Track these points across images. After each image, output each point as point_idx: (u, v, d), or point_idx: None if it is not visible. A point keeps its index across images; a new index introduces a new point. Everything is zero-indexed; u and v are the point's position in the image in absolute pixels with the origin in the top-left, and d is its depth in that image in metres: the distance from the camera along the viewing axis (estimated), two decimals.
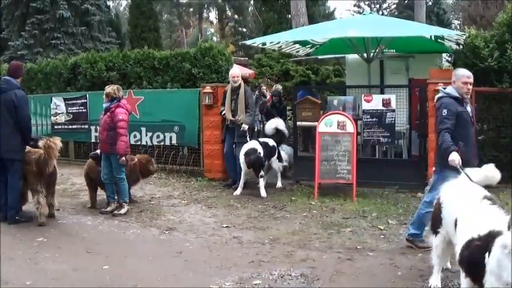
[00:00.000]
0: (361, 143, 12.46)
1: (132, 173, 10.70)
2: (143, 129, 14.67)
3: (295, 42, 15.09)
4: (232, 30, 55.69)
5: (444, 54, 14.01)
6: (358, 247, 7.90)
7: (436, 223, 6.09)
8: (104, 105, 10.24)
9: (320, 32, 14.41)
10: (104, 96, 10.25)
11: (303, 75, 22.10)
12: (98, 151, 10.57)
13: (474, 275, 4.82)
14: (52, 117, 16.89)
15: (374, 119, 11.92)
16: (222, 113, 12.52)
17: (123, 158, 9.93)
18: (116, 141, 9.85)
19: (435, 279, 6.20)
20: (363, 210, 10.09)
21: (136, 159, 10.94)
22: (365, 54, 13.73)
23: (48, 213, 9.77)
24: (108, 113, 10.07)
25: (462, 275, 5.11)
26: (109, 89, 10.20)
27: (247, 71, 21.27)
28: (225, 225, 9.27)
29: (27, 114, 9.66)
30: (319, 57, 17.64)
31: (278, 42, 14.85)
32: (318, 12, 35.58)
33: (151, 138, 14.59)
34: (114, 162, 10.04)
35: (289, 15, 26.95)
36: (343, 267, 6.98)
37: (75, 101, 16.36)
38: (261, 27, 32.48)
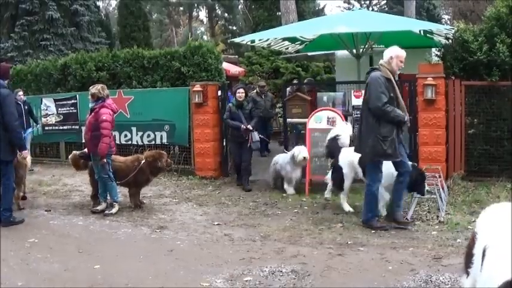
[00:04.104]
0: (351, 138, 12.46)
1: (141, 174, 10.53)
2: (133, 129, 14.67)
3: (284, 39, 15.12)
4: (222, 29, 55.66)
5: (433, 49, 14.05)
6: (349, 242, 7.91)
7: (468, 259, 4.41)
8: (90, 105, 10.23)
9: (309, 29, 14.44)
10: (90, 97, 10.23)
11: (293, 72, 22.19)
12: (86, 150, 10.53)
13: None
14: (43, 119, 16.85)
15: None
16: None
17: (104, 160, 9.91)
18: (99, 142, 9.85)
19: None
20: (353, 206, 10.07)
21: (143, 160, 10.58)
22: (354, 50, 13.76)
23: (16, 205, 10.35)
24: (92, 113, 10.07)
25: (464, 276, 4.54)
26: (93, 89, 10.16)
27: (237, 69, 21.30)
28: (216, 223, 9.28)
29: (12, 112, 9.26)
30: (309, 54, 17.71)
31: (267, 40, 14.89)
32: (307, 9, 35.58)
33: (141, 137, 14.59)
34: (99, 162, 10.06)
35: (279, 13, 27.00)
36: (334, 263, 6.98)
37: (66, 102, 16.36)
38: (251, 25, 32.54)
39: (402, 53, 8.67)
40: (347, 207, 9.82)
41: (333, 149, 10.20)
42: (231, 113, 12.27)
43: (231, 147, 12.85)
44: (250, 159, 12.45)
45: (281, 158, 11.79)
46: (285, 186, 11.56)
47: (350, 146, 10.02)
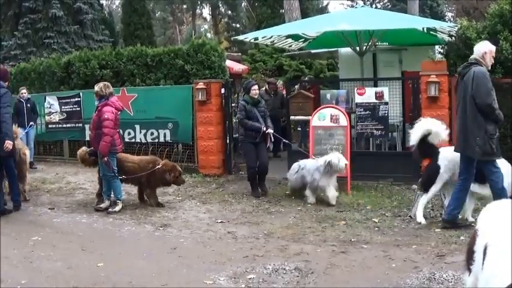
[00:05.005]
0: (354, 136, 12.46)
1: (153, 177, 10.44)
2: (137, 127, 14.67)
3: (288, 37, 15.09)
4: (225, 26, 55.63)
5: (437, 46, 14.02)
6: (353, 240, 7.92)
7: (470, 257, 4.37)
8: (96, 103, 10.26)
9: (312, 26, 14.44)
10: (94, 95, 10.28)
11: (297, 69, 22.17)
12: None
13: None
14: (46, 117, 16.87)
15: (367, 112, 11.92)
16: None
17: (105, 158, 9.91)
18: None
19: None
20: (357, 203, 10.11)
21: (160, 165, 10.45)
22: (357, 48, 13.74)
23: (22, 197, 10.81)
24: (96, 112, 10.10)
25: (466, 273, 4.49)
26: (97, 87, 10.20)
27: (241, 67, 21.28)
28: (219, 221, 9.29)
29: (6, 107, 9.73)
30: (312, 51, 17.67)
31: (270, 37, 14.87)
32: (311, 7, 35.59)
33: (145, 135, 14.61)
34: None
35: (282, 10, 26.98)
36: (337, 260, 6.99)
37: (69, 100, 16.37)
38: (255, 23, 32.50)
39: (494, 48, 8.40)
40: (421, 218, 8.79)
41: (428, 148, 8.99)
42: (246, 112, 11.16)
43: (246, 149, 11.51)
44: (268, 160, 11.68)
45: (308, 164, 10.80)
46: (307, 192, 10.58)
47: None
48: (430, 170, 8.91)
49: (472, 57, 8.28)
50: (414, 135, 8.93)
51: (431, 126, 8.88)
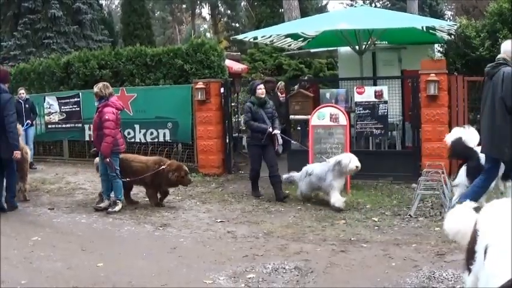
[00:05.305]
0: (354, 135, 12.46)
1: (158, 177, 10.37)
2: (137, 127, 14.68)
3: (287, 36, 15.09)
4: (225, 26, 55.61)
5: (436, 45, 14.02)
6: (352, 239, 7.92)
7: (470, 256, 4.31)
8: (96, 104, 10.25)
9: (311, 25, 14.43)
10: (94, 96, 10.27)
11: (296, 69, 22.17)
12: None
13: None
14: (46, 117, 16.88)
15: (367, 111, 11.93)
16: None
17: (107, 159, 9.92)
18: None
19: None
20: (357, 202, 10.11)
21: (165, 165, 10.39)
22: (357, 47, 13.73)
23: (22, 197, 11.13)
24: (97, 113, 10.10)
25: (465, 273, 4.48)
26: (96, 88, 10.19)
27: (240, 66, 21.25)
28: (219, 220, 9.29)
29: (11, 115, 9.91)
30: (312, 50, 17.67)
31: (270, 36, 14.87)
32: (310, 6, 35.56)
33: (144, 135, 14.63)
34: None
35: (282, 10, 26.96)
36: (337, 259, 6.99)
37: (69, 100, 16.37)
38: (254, 22, 32.48)
39: None
40: None
41: (463, 149, 8.91)
42: (252, 114, 10.88)
43: (252, 152, 11.27)
44: (277, 163, 11.13)
45: (317, 168, 10.45)
46: (332, 199, 9.93)
47: None
48: (475, 170, 8.62)
49: (499, 56, 8.07)
50: (449, 138, 9.00)
51: (462, 135, 8.85)
